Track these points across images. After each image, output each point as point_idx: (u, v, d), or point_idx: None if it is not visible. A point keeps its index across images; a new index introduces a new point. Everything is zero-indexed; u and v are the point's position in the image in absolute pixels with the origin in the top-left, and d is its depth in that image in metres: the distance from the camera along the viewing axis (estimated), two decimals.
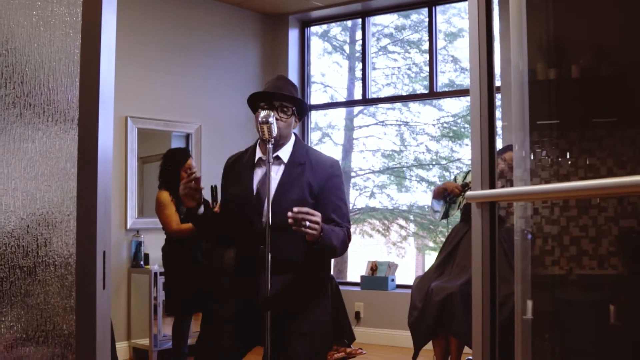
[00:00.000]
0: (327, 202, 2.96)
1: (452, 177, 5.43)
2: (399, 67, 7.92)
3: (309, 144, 7.73)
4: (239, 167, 3.07)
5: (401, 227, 8.65)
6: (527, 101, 1.95)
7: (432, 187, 5.30)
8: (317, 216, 2.68)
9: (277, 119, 2.89)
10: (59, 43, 1.81)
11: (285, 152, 3.02)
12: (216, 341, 2.87)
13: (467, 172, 5.31)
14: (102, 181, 1.67)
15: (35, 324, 1.68)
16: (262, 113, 2.79)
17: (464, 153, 7.64)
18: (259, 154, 3.03)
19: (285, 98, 2.99)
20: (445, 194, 5.12)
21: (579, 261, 2.63)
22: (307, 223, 2.64)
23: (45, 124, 1.79)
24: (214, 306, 2.99)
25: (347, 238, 2.95)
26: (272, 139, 2.81)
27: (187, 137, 6.74)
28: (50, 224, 1.71)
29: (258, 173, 3.01)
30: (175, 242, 5.16)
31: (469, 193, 1.92)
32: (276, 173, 2.98)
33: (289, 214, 2.63)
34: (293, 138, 3.07)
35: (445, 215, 5.24)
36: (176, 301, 5.18)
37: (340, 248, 2.88)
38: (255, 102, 3.04)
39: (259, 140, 3.04)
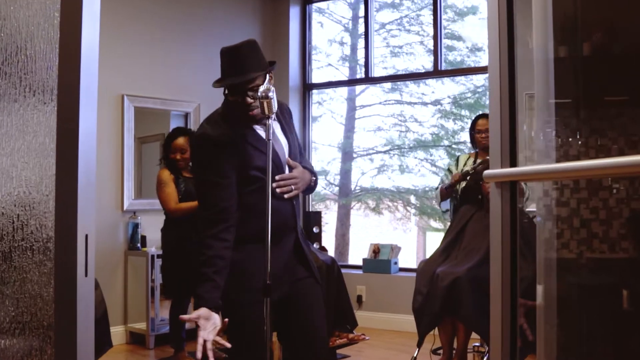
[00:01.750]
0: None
1: (446, 168, 5.26)
2: (401, 46, 7.74)
3: (310, 123, 7.56)
4: (238, 138, 2.73)
5: (406, 204, 8.49)
6: (553, 79, 1.79)
7: (437, 188, 5.11)
8: (297, 176, 2.79)
9: (253, 99, 2.68)
10: (37, 5, 1.64)
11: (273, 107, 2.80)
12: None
13: (457, 159, 5.17)
14: (85, 158, 1.51)
15: (11, 314, 1.52)
16: (262, 87, 2.61)
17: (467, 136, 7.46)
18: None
19: (253, 78, 2.69)
20: (452, 191, 4.98)
21: (590, 244, 2.49)
22: (292, 187, 2.73)
23: (22, 94, 1.62)
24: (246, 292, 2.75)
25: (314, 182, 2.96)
26: (274, 115, 2.64)
27: (186, 116, 6.58)
28: (27, 205, 1.55)
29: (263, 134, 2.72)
30: (174, 223, 5.04)
31: (487, 172, 1.76)
32: (278, 128, 2.86)
33: (274, 185, 2.67)
34: None
35: (455, 209, 5.12)
36: (173, 284, 5.07)
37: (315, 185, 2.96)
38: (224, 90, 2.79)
39: (230, 107, 2.78)
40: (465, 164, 5.06)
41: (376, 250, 6.74)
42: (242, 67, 2.71)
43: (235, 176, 2.70)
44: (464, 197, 4.90)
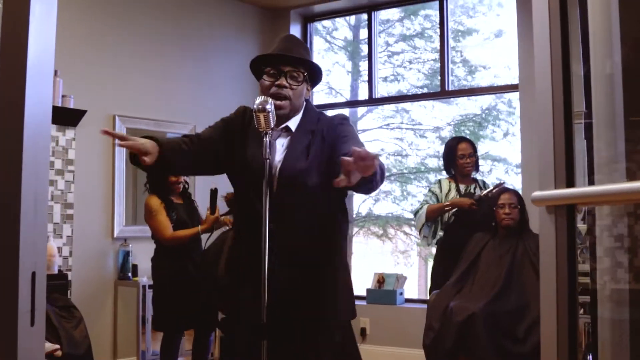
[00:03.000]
0: (346, 141, 2.47)
1: (428, 190, 4.97)
2: (405, 67, 7.47)
3: None
4: (253, 127, 2.48)
5: (406, 234, 8.21)
6: (621, 95, 1.49)
7: (420, 208, 4.80)
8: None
9: (288, 86, 2.44)
10: None
11: (294, 122, 2.57)
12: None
13: (439, 182, 4.93)
14: (31, 176, 1.19)
15: None
16: (258, 99, 2.30)
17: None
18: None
19: (297, 61, 2.51)
20: (441, 212, 4.70)
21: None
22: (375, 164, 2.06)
23: None
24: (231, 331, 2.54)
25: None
26: (270, 131, 2.33)
27: None
28: None
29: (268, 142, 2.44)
30: (165, 252, 4.72)
31: (536, 195, 1.44)
32: (282, 145, 2.54)
33: (344, 159, 2.02)
34: (304, 105, 2.62)
35: (434, 236, 4.84)
36: (165, 317, 4.75)
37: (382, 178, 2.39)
38: (260, 66, 2.57)
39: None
40: (449, 190, 4.80)
41: (381, 280, 6.41)
42: (293, 47, 2.56)
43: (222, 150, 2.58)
44: (457, 221, 4.63)
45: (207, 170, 2.78)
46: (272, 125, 2.31)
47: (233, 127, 2.60)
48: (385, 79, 7.44)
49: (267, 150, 2.33)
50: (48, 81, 1.31)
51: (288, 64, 2.50)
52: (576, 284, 1.40)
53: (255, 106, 2.29)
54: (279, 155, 2.50)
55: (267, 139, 2.33)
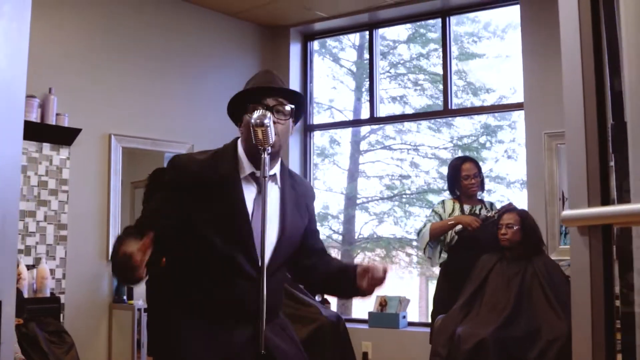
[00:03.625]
0: (312, 221, 2.47)
1: (432, 210, 4.84)
2: (409, 87, 7.36)
3: (311, 168, 7.13)
4: (217, 177, 2.26)
5: (408, 255, 8.06)
6: None
7: (424, 227, 4.67)
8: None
9: (275, 122, 2.24)
10: None
11: (277, 168, 2.36)
12: None
13: (443, 202, 4.81)
14: None
15: None
16: (256, 113, 2.14)
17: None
18: (248, 167, 2.28)
19: (284, 93, 2.32)
20: (445, 231, 4.57)
21: None
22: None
23: None
24: None
25: None
26: (269, 147, 2.16)
27: None
28: None
29: (249, 194, 2.27)
30: (160, 274, 4.54)
31: (567, 214, 1.30)
32: (272, 196, 2.31)
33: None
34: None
35: (438, 257, 4.71)
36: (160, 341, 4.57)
37: None
38: (240, 104, 2.34)
39: (242, 145, 2.34)
40: (453, 210, 4.68)
41: (383, 302, 6.24)
42: (273, 80, 2.36)
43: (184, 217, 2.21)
44: (461, 242, 4.55)
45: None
46: (270, 141, 2.15)
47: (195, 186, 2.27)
48: (393, 99, 7.32)
49: (266, 168, 2.17)
50: (19, 97, 1.17)
51: (273, 98, 2.29)
52: (614, 314, 1.26)
53: (252, 120, 2.12)
54: (272, 207, 2.28)
55: (266, 156, 2.17)
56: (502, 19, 6.77)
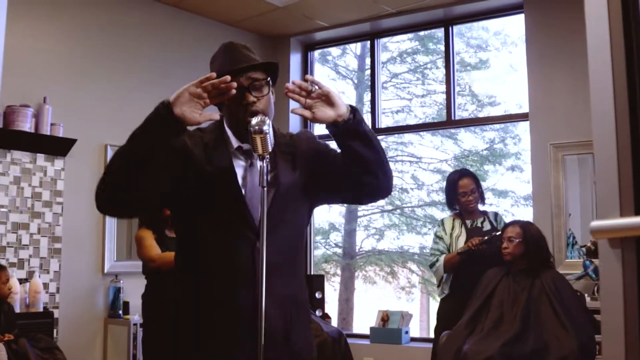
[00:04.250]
0: (323, 152, 2.24)
1: (435, 235, 4.72)
2: (410, 98, 7.27)
3: None
4: (209, 145, 2.19)
5: (411, 271, 7.96)
6: None
7: (436, 261, 4.55)
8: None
9: (257, 99, 2.13)
10: None
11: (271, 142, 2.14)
12: None
13: (442, 222, 4.72)
14: None
15: None
16: (255, 120, 2.02)
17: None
18: (234, 141, 2.18)
19: (258, 67, 2.19)
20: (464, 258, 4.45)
21: None
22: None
23: None
24: None
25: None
26: (268, 155, 2.03)
27: None
28: None
29: (239, 169, 2.15)
30: (157, 289, 4.43)
31: (594, 224, 1.18)
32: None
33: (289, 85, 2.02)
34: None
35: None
36: (155, 357, 4.45)
37: (382, 152, 2.12)
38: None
39: (227, 123, 2.24)
40: (453, 227, 4.57)
41: (385, 317, 6.11)
42: (245, 56, 2.26)
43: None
44: (467, 255, 4.43)
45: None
46: (269, 149, 2.02)
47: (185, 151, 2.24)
48: (396, 112, 7.23)
49: (265, 177, 2.04)
50: None
51: (244, 76, 2.18)
52: None
53: (251, 127, 2.01)
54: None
55: (265, 164, 2.04)
56: (510, 29, 6.70)
